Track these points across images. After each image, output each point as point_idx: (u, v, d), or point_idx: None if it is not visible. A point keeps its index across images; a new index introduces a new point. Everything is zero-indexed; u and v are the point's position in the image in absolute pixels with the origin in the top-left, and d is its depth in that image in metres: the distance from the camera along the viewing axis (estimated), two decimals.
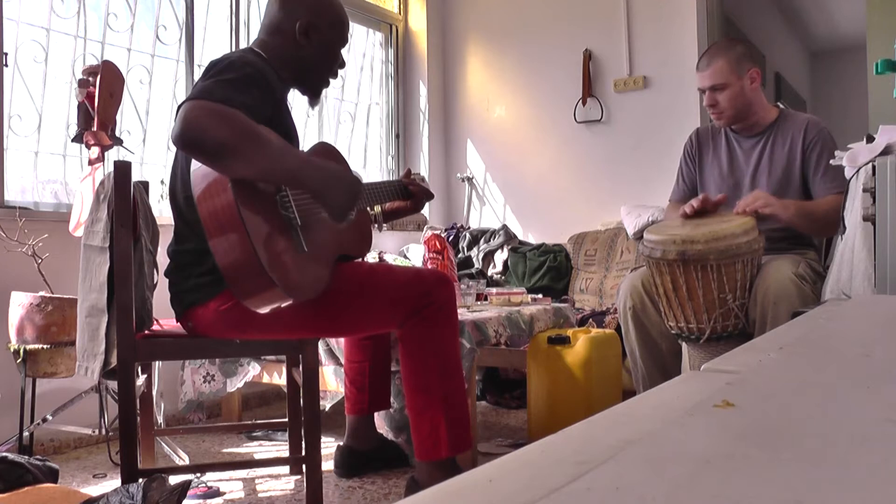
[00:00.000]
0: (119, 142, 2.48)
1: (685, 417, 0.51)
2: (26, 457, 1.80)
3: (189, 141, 1.51)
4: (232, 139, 1.50)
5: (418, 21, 4.49)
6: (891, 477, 0.39)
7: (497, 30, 4.38)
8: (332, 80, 1.97)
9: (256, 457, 2.51)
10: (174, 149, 1.78)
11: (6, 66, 2.56)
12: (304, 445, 1.88)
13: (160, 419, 2.51)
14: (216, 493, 2.07)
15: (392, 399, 2.30)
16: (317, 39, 1.86)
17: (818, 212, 2.15)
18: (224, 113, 1.51)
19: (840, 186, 2.16)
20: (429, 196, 2.18)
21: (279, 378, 2.63)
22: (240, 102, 1.56)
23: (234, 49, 3.42)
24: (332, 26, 1.88)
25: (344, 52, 1.95)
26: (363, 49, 4.32)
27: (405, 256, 3.87)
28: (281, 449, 2.58)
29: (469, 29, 4.50)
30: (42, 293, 2.27)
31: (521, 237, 4.14)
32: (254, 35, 1.94)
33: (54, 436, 2.53)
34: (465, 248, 4.06)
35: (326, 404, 2.48)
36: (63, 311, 2.24)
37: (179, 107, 1.54)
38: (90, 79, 2.37)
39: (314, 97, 1.97)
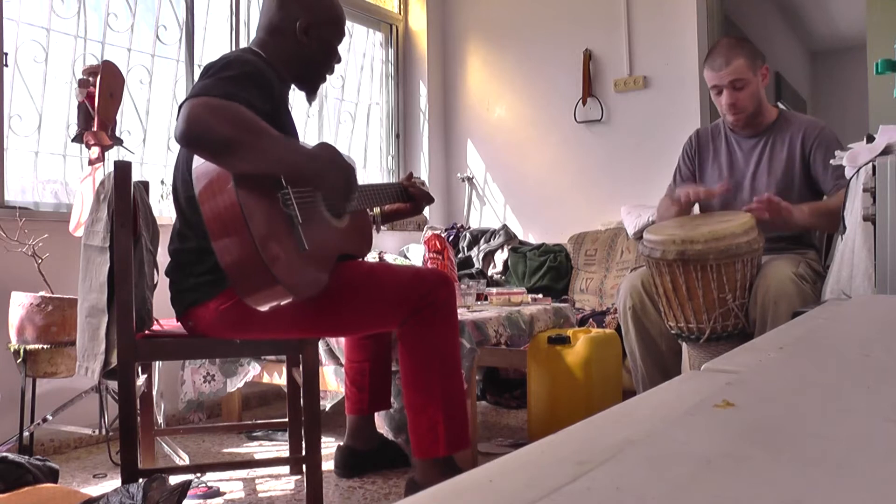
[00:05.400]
0: (119, 142, 2.48)
1: (685, 417, 0.51)
2: (26, 457, 1.80)
3: (193, 138, 1.51)
4: (235, 134, 1.51)
5: (418, 21, 4.49)
6: (891, 477, 0.39)
7: (497, 30, 4.38)
8: (328, 76, 1.99)
9: (256, 457, 2.51)
10: (175, 149, 1.79)
11: (6, 66, 2.56)
12: (304, 445, 1.88)
13: (160, 419, 2.51)
14: (216, 493, 2.07)
15: (392, 399, 2.30)
16: (317, 37, 1.88)
17: (834, 207, 2.14)
18: (226, 108, 1.52)
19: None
20: (429, 200, 2.19)
21: (279, 378, 2.63)
22: (242, 98, 1.57)
23: (234, 49, 3.42)
24: (330, 23, 1.91)
25: (341, 48, 1.98)
26: (363, 49, 4.32)
27: (405, 256, 3.87)
28: (281, 449, 2.58)
29: (469, 29, 4.50)
30: (42, 293, 2.27)
31: (521, 237, 4.14)
32: (254, 35, 1.95)
33: (54, 436, 2.53)
34: (466, 248, 4.05)
35: (326, 404, 2.48)
36: (63, 311, 2.24)
37: (181, 105, 1.54)
38: (90, 79, 2.36)
39: (312, 94, 1.99)
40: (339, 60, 1.98)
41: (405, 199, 2.15)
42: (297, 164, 1.66)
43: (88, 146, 2.38)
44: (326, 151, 1.80)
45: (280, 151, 1.62)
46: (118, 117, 2.54)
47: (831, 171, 2.19)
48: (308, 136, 3.84)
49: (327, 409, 2.50)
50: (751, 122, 2.30)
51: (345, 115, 4.18)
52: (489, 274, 3.91)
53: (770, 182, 2.26)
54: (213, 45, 3.36)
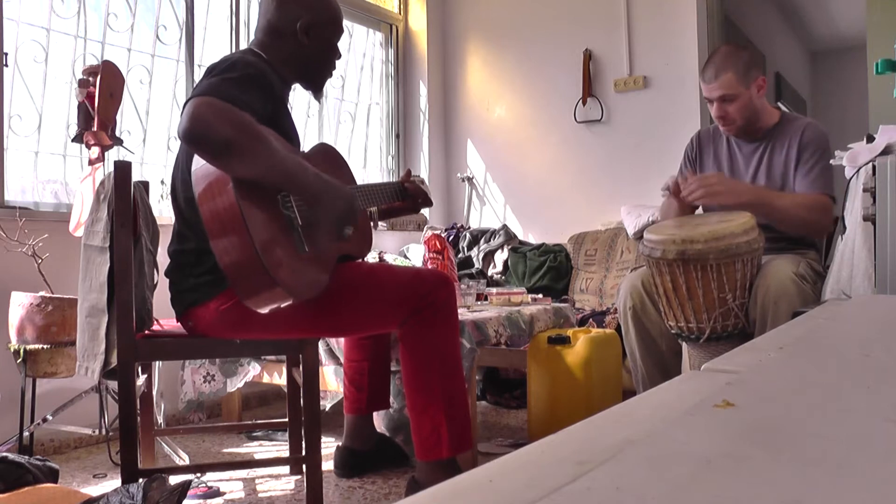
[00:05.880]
0: (119, 142, 2.48)
1: (685, 417, 0.51)
2: (26, 457, 1.80)
3: (195, 137, 1.51)
4: (237, 138, 1.51)
5: (418, 21, 4.49)
6: (891, 477, 0.39)
7: (497, 30, 4.38)
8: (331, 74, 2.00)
9: (256, 457, 2.51)
10: (174, 149, 1.79)
11: (6, 66, 2.56)
12: (304, 445, 1.88)
13: (160, 419, 2.51)
14: (216, 493, 2.07)
15: (392, 399, 2.30)
16: (317, 36, 1.88)
17: (779, 204, 2.13)
18: (230, 111, 1.52)
19: (821, 189, 2.16)
20: (426, 201, 2.18)
21: (279, 378, 2.63)
22: (244, 101, 1.57)
23: (234, 49, 3.42)
24: (330, 22, 1.91)
25: (341, 45, 1.98)
26: (363, 49, 4.32)
27: (405, 256, 3.87)
28: (281, 449, 2.58)
29: (469, 29, 4.50)
30: (42, 293, 2.27)
31: (521, 237, 4.14)
32: (253, 36, 1.95)
33: (54, 436, 2.53)
34: (466, 248, 4.06)
35: (326, 404, 2.48)
36: (63, 311, 2.24)
37: (185, 103, 1.54)
38: (90, 79, 2.36)
39: (318, 91, 1.99)
40: (339, 57, 1.98)
41: (402, 198, 2.15)
42: (294, 179, 1.63)
43: (88, 146, 2.38)
44: (329, 171, 1.75)
45: (279, 162, 1.59)
46: (118, 117, 2.54)
47: (804, 173, 2.18)
48: (308, 136, 3.84)
49: (327, 409, 2.50)
50: (744, 131, 2.30)
51: (345, 115, 4.18)
52: (489, 274, 3.91)
53: (769, 186, 2.26)
54: (213, 45, 3.36)
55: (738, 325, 1.96)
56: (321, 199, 1.67)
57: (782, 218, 2.14)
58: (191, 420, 2.75)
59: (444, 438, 1.86)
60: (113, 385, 2.24)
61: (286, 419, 2.31)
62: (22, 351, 2.21)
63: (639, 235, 3.44)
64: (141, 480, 1.58)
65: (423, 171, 4.45)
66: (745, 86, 2.21)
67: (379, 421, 2.33)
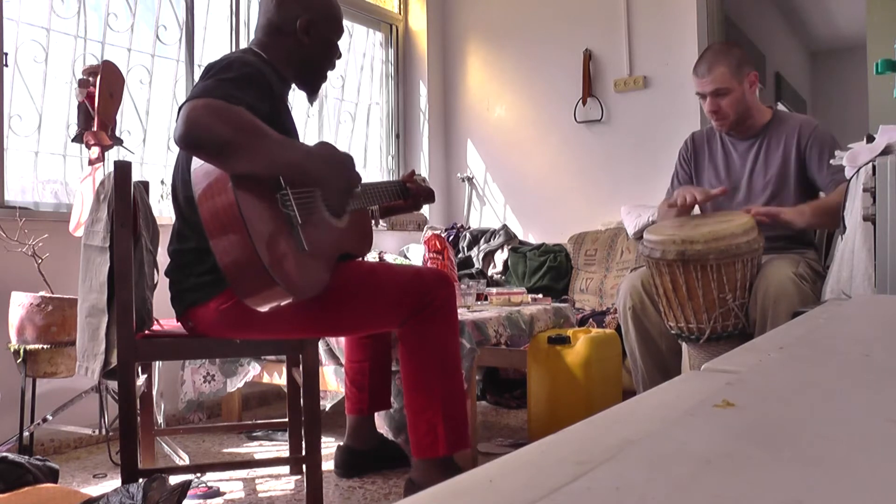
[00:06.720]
0: (119, 142, 2.48)
1: (685, 417, 0.51)
2: (26, 457, 1.80)
3: (192, 141, 1.51)
4: (234, 136, 1.51)
5: (418, 21, 4.49)
6: (891, 477, 0.39)
7: (497, 30, 4.38)
8: (329, 74, 2.00)
9: (256, 457, 2.51)
10: (174, 148, 1.79)
11: (6, 66, 2.56)
12: (304, 445, 1.88)
13: (160, 419, 2.51)
14: (216, 493, 2.07)
15: (392, 399, 2.30)
16: (317, 35, 1.88)
17: (834, 204, 2.13)
18: (225, 110, 1.52)
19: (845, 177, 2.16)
20: (429, 197, 2.19)
21: (279, 378, 2.63)
22: (241, 100, 1.57)
23: (234, 49, 3.42)
24: (330, 20, 1.91)
25: (341, 45, 1.99)
26: (363, 49, 4.32)
27: (405, 256, 3.87)
28: (281, 449, 2.58)
29: (469, 29, 4.50)
30: (42, 293, 2.27)
31: (521, 237, 4.14)
32: (253, 35, 1.95)
33: (54, 436, 2.53)
34: (466, 248, 4.05)
35: (326, 404, 2.48)
36: (63, 311, 2.24)
37: (181, 107, 1.54)
38: (90, 79, 2.37)
39: (313, 93, 1.99)
40: (339, 56, 1.98)
41: (404, 196, 2.15)
42: (296, 163, 1.66)
43: (88, 146, 2.38)
44: (325, 150, 1.80)
45: (279, 152, 1.62)
46: (118, 117, 2.54)
47: (827, 169, 2.19)
48: (308, 136, 3.84)
49: (327, 409, 2.50)
50: (736, 127, 2.30)
51: (345, 115, 4.18)
52: (489, 274, 3.91)
53: (766, 183, 2.26)
54: (213, 45, 3.36)
55: (738, 325, 1.96)
56: (326, 180, 1.74)
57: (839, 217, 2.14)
58: (191, 420, 2.75)
59: (441, 437, 1.86)
60: (113, 385, 2.24)
61: (286, 419, 2.31)
62: (22, 351, 2.21)
63: (639, 235, 3.44)
64: (141, 480, 1.58)
65: (423, 171, 4.45)
66: (738, 81, 2.22)
67: (381, 421, 2.33)
